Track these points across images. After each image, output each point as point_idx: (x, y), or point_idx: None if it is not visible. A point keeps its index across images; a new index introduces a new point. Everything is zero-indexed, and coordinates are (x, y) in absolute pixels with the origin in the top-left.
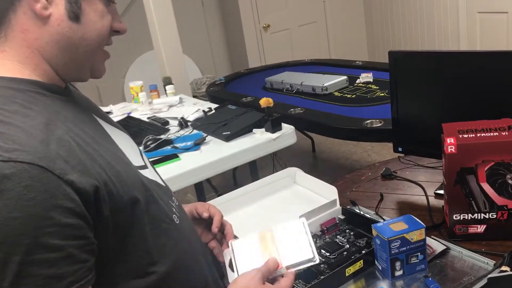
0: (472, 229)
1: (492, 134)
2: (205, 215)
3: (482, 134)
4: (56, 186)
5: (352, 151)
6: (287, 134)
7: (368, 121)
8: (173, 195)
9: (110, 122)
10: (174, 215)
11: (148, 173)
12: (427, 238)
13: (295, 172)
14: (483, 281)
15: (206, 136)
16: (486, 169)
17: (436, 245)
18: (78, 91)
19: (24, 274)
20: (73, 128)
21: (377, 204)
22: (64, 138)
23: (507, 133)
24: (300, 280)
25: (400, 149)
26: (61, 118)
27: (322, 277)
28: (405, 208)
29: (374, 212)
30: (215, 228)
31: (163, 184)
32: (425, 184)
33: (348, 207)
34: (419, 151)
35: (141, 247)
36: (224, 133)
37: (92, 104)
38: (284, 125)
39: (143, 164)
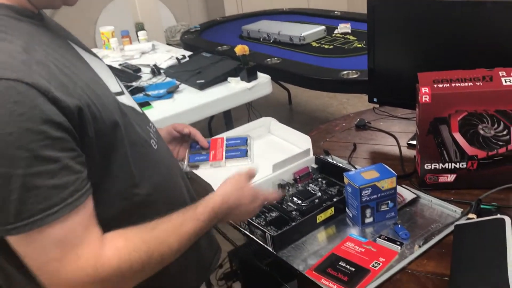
0: (442, 178)
1: (466, 84)
2: (186, 130)
3: (457, 84)
4: (43, 102)
5: (328, 103)
6: (263, 83)
7: (345, 72)
8: (150, 122)
9: (85, 48)
10: (152, 141)
11: (125, 99)
12: (398, 187)
13: (270, 122)
14: (450, 228)
15: (180, 84)
16: (459, 119)
17: (406, 193)
18: (51, 18)
19: (29, 186)
20: (51, 53)
21: (350, 154)
22: (43, 62)
23: (481, 84)
24: (271, 227)
25: (375, 99)
26: (38, 43)
27: (293, 223)
28: (378, 158)
29: (347, 162)
30: (206, 143)
31: (140, 111)
32: (398, 134)
33: (321, 156)
34: (393, 101)
35: (125, 169)
36: (198, 81)
37: (66, 30)
38: (260, 74)
39: (120, 90)
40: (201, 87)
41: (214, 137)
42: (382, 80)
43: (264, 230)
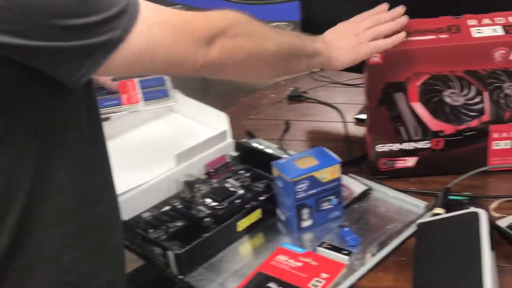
0: (400, 163)
1: (427, 37)
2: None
3: (416, 38)
4: None
5: None
6: None
7: (273, 24)
8: None
9: None
10: None
11: None
12: (344, 176)
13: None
14: (412, 229)
15: None
16: (419, 84)
17: (355, 185)
18: None
19: None
20: None
21: (281, 135)
22: None
23: (446, 36)
24: (176, 241)
25: None
26: None
27: (206, 234)
28: (317, 139)
29: (277, 146)
30: (115, 85)
31: None
32: (343, 107)
33: (243, 140)
34: None
35: None
36: None
37: None
38: None
39: None
40: None
41: (121, 81)
42: (319, 34)
43: (165, 246)
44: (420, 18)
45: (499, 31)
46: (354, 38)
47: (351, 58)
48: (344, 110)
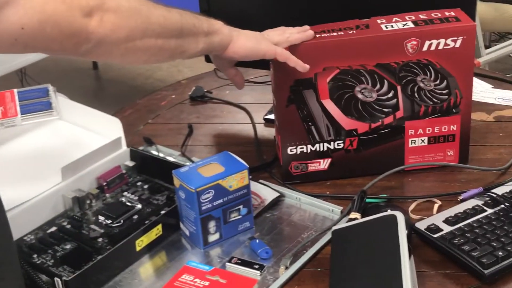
0: (313, 166)
1: (335, 34)
2: None
3: (323, 35)
4: None
5: (154, 67)
6: None
7: None
8: None
9: None
10: None
11: None
12: (253, 183)
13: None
14: (327, 236)
15: None
16: (328, 80)
17: (266, 192)
18: None
19: None
20: None
21: (183, 141)
22: None
23: (354, 32)
24: (65, 266)
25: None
26: None
27: (99, 257)
28: (224, 144)
29: (179, 153)
30: None
31: None
32: (251, 107)
33: (141, 148)
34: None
35: None
36: None
37: None
38: None
39: None
40: None
41: None
42: None
43: (52, 272)
44: (325, 23)
45: (409, 24)
46: (259, 34)
47: (253, 43)
48: (252, 111)
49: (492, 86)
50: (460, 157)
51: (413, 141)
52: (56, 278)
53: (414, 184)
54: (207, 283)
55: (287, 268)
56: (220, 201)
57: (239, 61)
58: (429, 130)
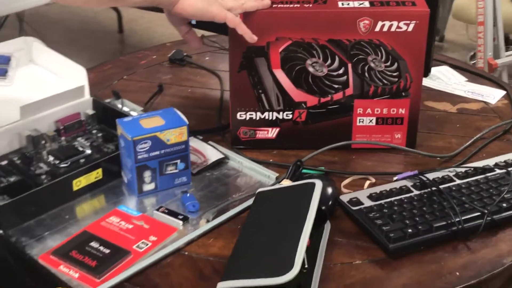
0: (262, 134)
1: (291, 5)
2: None
3: (279, 5)
4: None
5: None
6: None
7: None
8: None
9: None
10: None
11: None
12: (203, 144)
13: (31, 45)
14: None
15: None
16: (280, 50)
17: (211, 153)
18: None
19: None
20: None
21: (149, 98)
22: None
23: (310, 5)
24: (5, 196)
25: (193, 21)
26: None
27: (35, 189)
28: (189, 106)
29: (142, 109)
30: None
31: None
32: (225, 74)
33: (108, 100)
34: (214, 24)
35: None
36: None
37: None
38: None
39: None
40: None
41: None
42: None
43: None
44: None
45: (365, 4)
46: None
47: (203, 4)
48: (225, 77)
49: (467, 80)
50: (407, 141)
51: (361, 120)
52: None
53: (357, 162)
54: (130, 226)
55: (208, 221)
56: (157, 152)
57: (201, 24)
58: (377, 110)
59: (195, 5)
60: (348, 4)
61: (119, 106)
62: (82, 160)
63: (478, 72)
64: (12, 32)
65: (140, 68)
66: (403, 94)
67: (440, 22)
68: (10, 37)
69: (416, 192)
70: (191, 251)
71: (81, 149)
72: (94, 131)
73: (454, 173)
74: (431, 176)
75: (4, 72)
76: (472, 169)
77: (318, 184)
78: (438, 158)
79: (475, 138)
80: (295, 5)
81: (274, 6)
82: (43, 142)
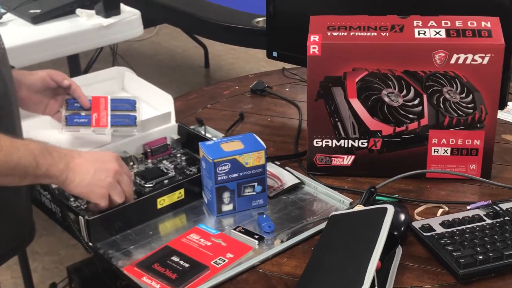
0: (337, 161)
1: (369, 34)
2: (66, 82)
3: (357, 34)
4: None
5: (262, 68)
6: (129, 21)
7: (260, 19)
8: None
9: None
10: None
11: None
12: (280, 169)
13: (124, 74)
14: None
15: (5, 13)
16: (357, 80)
17: (288, 178)
18: None
19: None
20: None
21: (231, 125)
22: None
23: (387, 34)
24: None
25: (275, 53)
26: None
27: (122, 206)
28: (268, 134)
29: (224, 135)
30: (87, 102)
31: None
32: (304, 104)
33: (192, 127)
34: (295, 56)
35: None
36: (31, 11)
37: None
38: (125, 7)
39: None
40: (35, 19)
41: (95, 96)
42: (285, 28)
43: (77, 211)
44: (366, 16)
45: (442, 33)
46: (104, 177)
47: (85, 190)
48: (304, 108)
49: None
50: (482, 172)
51: (436, 150)
52: (80, 216)
53: (430, 191)
54: (209, 243)
55: (282, 242)
56: (236, 175)
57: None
58: (452, 141)
59: (75, 191)
60: (424, 33)
61: (202, 132)
62: (166, 181)
63: None
64: (106, 65)
65: (223, 98)
66: (478, 125)
67: None
68: None
69: (488, 221)
70: (265, 269)
71: (165, 170)
72: (178, 155)
73: None
74: (504, 206)
75: (134, 120)
76: None
77: (390, 208)
78: None
79: None
80: (372, 33)
81: (351, 34)
82: (131, 163)
